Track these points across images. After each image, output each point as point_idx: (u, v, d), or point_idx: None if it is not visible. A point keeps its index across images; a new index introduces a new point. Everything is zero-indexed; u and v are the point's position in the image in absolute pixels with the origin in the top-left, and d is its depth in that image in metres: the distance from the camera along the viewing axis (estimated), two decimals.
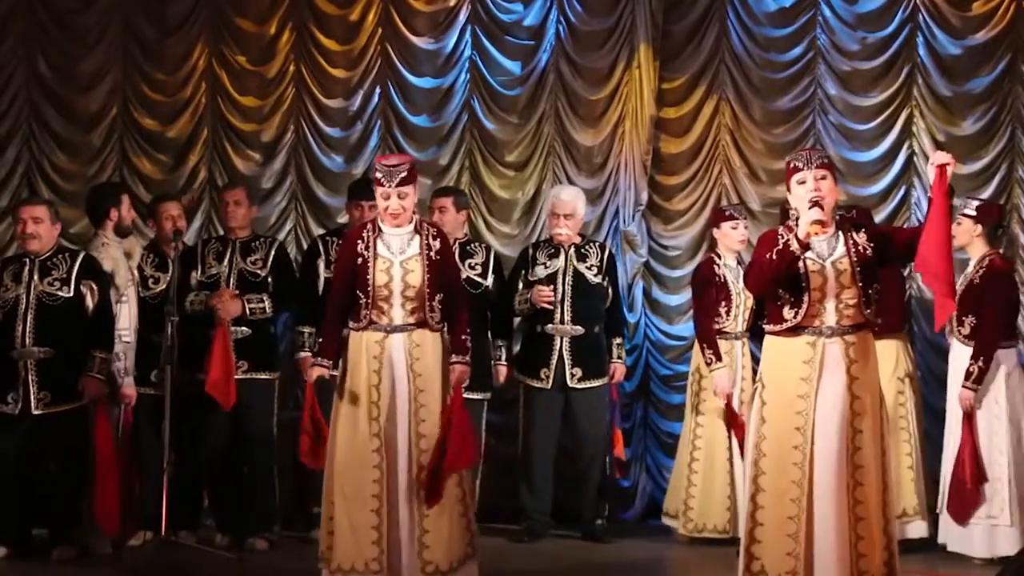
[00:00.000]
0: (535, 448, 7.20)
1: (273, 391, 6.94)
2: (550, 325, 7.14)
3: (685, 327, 7.95)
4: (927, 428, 7.01)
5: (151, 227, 7.26)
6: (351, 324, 5.47)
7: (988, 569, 6.17)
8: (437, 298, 5.44)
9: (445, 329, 5.54)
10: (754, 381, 6.94)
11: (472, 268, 7.12)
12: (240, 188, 7.14)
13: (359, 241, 5.44)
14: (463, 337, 5.58)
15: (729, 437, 6.85)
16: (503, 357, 7.31)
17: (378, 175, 5.45)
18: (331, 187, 8.31)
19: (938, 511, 6.69)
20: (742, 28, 8.13)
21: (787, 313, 4.96)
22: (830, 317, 4.94)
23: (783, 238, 4.95)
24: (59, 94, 8.41)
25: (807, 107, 8.05)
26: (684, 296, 7.94)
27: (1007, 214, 7.59)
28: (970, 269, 6.60)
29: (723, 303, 6.92)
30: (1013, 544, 6.35)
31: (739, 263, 7.11)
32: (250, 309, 6.76)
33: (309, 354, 6.88)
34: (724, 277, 6.95)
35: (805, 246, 4.90)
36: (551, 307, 7.07)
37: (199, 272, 6.89)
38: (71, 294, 6.43)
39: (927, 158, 7.76)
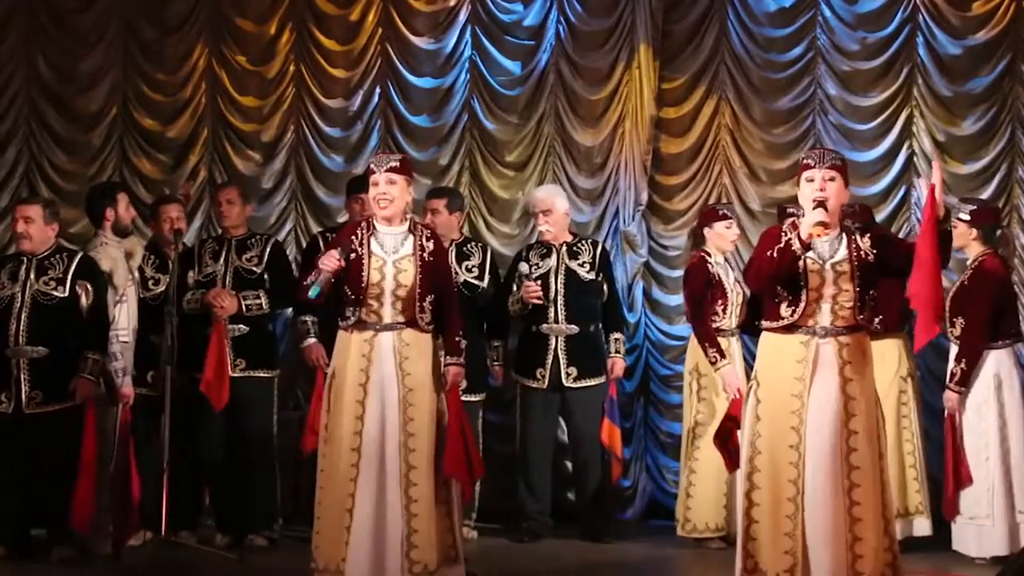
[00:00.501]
0: (533, 448, 7.20)
1: (272, 390, 6.94)
2: (544, 325, 7.14)
3: (685, 327, 7.92)
4: (927, 428, 7.00)
5: (152, 228, 7.27)
6: (340, 323, 5.47)
7: (989, 569, 6.17)
8: (428, 299, 5.45)
9: (435, 331, 5.53)
10: (747, 377, 7.03)
11: (469, 271, 7.12)
12: (233, 187, 7.15)
13: (353, 237, 5.45)
14: (456, 339, 5.59)
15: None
16: (499, 358, 7.31)
17: (371, 165, 5.56)
18: (331, 187, 8.31)
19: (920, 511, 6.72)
20: (742, 28, 8.13)
21: (784, 311, 4.98)
22: (825, 317, 4.96)
23: (786, 235, 4.97)
24: (59, 94, 8.42)
25: (807, 107, 8.05)
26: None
27: (1004, 215, 7.60)
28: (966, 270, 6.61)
29: (719, 301, 6.89)
30: (1001, 544, 6.35)
31: (727, 261, 7.09)
32: (246, 306, 6.77)
33: (314, 340, 6.89)
34: (718, 275, 6.92)
35: (806, 246, 4.91)
36: (541, 302, 7.05)
37: (196, 271, 6.90)
38: (66, 294, 6.43)
39: (927, 158, 7.84)
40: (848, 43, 8.01)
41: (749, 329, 7.02)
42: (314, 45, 8.44)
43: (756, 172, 8.11)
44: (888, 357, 6.61)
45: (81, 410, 6.35)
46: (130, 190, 7.70)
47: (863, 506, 4.87)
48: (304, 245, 7.92)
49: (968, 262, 6.62)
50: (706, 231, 7.04)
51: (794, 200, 7.50)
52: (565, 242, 7.25)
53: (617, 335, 7.33)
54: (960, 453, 6.36)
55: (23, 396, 6.34)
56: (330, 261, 5.29)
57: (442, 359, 5.56)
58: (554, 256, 7.17)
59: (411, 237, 5.50)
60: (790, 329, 4.97)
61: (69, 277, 6.45)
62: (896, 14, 7.92)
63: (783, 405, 4.94)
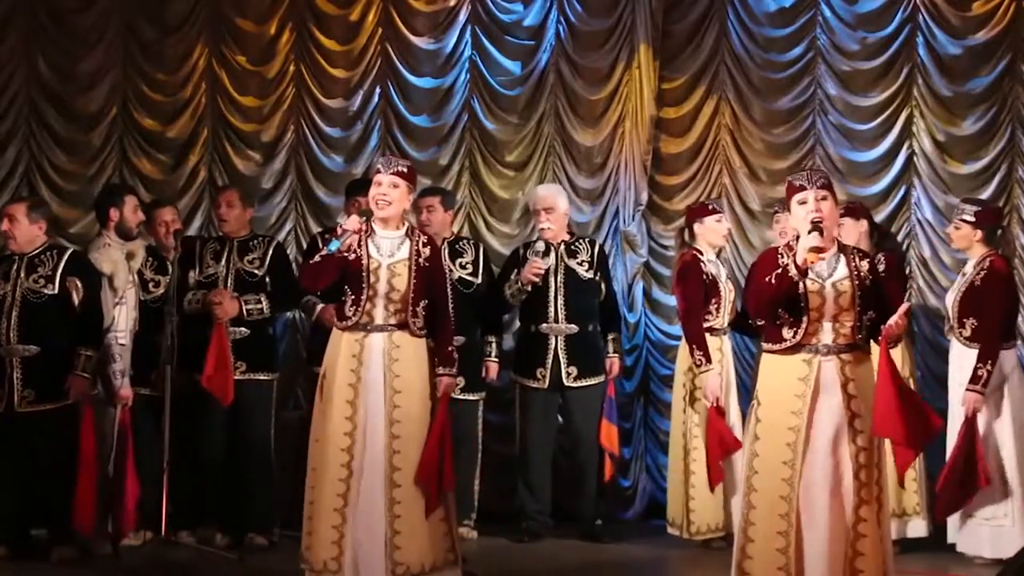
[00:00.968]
0: (533, 448, 7.20)
1: (272, 392, 6.94)
2: (544, 324, 7.13)
3: None
4: None
5: (148, 232, 7.26)
6: (336, 323, 5.49)
7: (989, 569, 6.17)
8: (421, 304, 5.46)
9: (428, 336, 5.54)
10: (737, 378, 7.03)
11: (463, 268, 7.12)
12: (231, 190, 7.13)
13: (347, 250, 5.43)
14: (449, 349, 5.59)
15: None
16: (493, 353, 7.30)
17: (378, 165, 5.58)
18: (331, 187, 8.31)
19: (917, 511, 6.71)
20: (742, 28, 8.13)
21: (786, 333, 4.95)
22: (827, 336, 4.94)
23: (782, 258, 4.94)
24: (59, 94, 8.41)
25: (807, 107, 8.05)
26: None
27: (1005, 215, 7.60)
28: (969, 270, 6.59)
29: (713, 300, 6.87)
30: (1018, 545, 6.35)
31: (718, 258, 7.07)
32: (247, 310, 6.76)
33: (323, 305, 6.79)
34: (711, 274, 6.90)
35: (803, 272, 4.89)
36: (538, 280, 7.02)
37: (197, 272, 6.90)
38: (56, 291, 6.41)
39: (927, 158, 7.85)
40: (848, 43, 8.01)
41: (739, 328, 7.04)
42: (314, 45, 8.43)
43: (756, 172, 8.11)
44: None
45: (76, 408, 6.34)
46: (132, 191, 7.71)
47: (868, 523, 4.85)
48: (304, 245, 7.92)
49: (973, 263, 6.58)
50: (696, 227, 6.99)
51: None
52: (563, 241, 7.24)
53: (614, 335, 7.33)
54: (978, 454, 6.33)
55: (15, 395, 6.33)
56: (352, 223, 5.38)
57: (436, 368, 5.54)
58: (552, 255, 7.17)
59: (408, 242, 5.52)
60: (792, 350, 4.95)
61: (58, 274, 6.43)
62: (896, 14, 7.92)
63: (781, 422, 4.92)
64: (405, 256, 5.48)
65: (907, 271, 7.49)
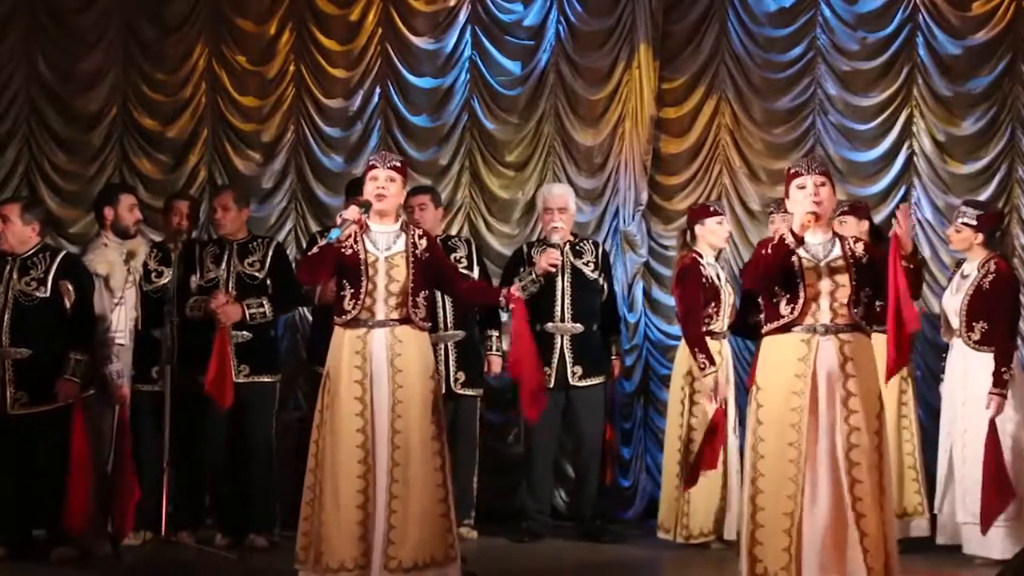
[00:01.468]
0: (537, 448, 7.20)
1: (275, 393, 6.93)
2: (550, 324, 7.14)
3: None
4: (926, 427, 7.01)
5: (163, 222, 7.25)
6: (336, 319, 5.50)
7: (989, 569, 6.17)
8: (422, 295, 5.49)
9: (432, 327, 5.64)
10: (736, 381, 7.02)
11: (459, 263, 7.12)
12: (227, 193, 7.08)
13: (347, 240, 5.46)
14: (488, 286, 6.09)
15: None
16: (494, 347, 7.30)
17: (373, 160, 5.63)
18: (331, 187, 8.31)
19: (936, 511, 6.70)
20: (742, 28, 8.13)
21: (783, 309, 5.03)
22: (824, 315, 5.00)
23: (779, 232, 5.05)
24: (59, 94, 8.40)
25: (807, 107, 8.06)
26: None
27: (1005, 215, 7.62)
28: (972, 272, 6.58)
29: (712, 303, 6.86)
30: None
31: (717, 261, 7.08)
32: (251, 315, 6.74)
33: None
34: (710, 277, 6.89)
35: (799, 240, 4.95)
36: (555, 271, 7.00)
37: (198, 276, 6.88)
38: (48, 294, 6.40)
39: (927, 158, 7.85)
40: (848, 43, 8.01)
41: (738, 331, 7.03)
42: (314, 45, 8.43)
43: (756, 172, 8.11)
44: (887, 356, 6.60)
45: (68, 411, 6.33)
46: (132, 191, 7.71)
47: (865, 502, 4.87)
48: (304, 245, 7.92)
49: (975, 265, 6.58)
50: (697, 228, 6.98)
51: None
52: (569, 241, 7.24)
53: (614, 336, 7.35)
54: (1003, 462, 6.29)
55: (7, 397, 6.32)
56: (351, 212, 5.39)
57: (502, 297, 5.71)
58: (558, 255, 7.15)
59: (403, 235, 5.55)
60: (790, 327, 5.01)
61: (51, 277, 6.42)
62: (896, 14, 7.92)
63: (784, 404, 4.97)
64: (402, 249, 5.50)
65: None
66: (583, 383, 7.13)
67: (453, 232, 8.00)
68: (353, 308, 5.43)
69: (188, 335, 6.66)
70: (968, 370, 6.50)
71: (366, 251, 5.46)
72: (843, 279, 4.99)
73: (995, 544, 6.42)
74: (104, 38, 8.44)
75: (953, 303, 6.60)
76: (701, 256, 6.90)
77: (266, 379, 6.85)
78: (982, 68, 7.81)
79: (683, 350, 6.92)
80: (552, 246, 7.03)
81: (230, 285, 6.82)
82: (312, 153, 8.40)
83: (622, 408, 7.78)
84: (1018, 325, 6.62)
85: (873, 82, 7.98)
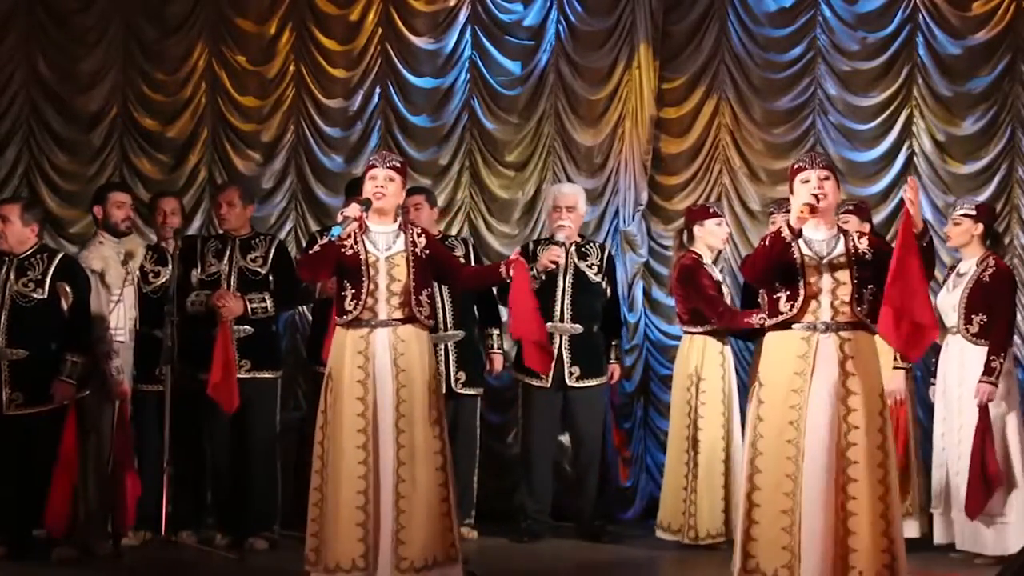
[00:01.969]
0: (535, 448, 7.20)
1: (276, 390, 6.93)
2: (549, 323, 7.12)
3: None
4: (923, 424, 7.02)
5: (152, 222, 7.27)
6: (337, 320, 5.51)
7: (989, 569, 6.17)
8: (424, 293, 5.50)
9: (433, 325, 5.66)
10: (738, 375, 7.03)
11: None
12: (231, 189, 7.08)
13: (347, 238, 5.47)
14: (484, 268, 6.07)
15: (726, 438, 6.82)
16: (495, 345, 7.31)
17: (372, 160, 5.64)
18: (331, 187, 8.31)
19: (932, 509, 6.70)
20: (742, 28, 8.14)
21: (783, 306, 5.04)
22: (825, 312, 5.00)
23: (777, 225, 5.08)
24: (59, 94, 8.40)
25: (807, 107, 8.06)
26: None
27: (1004, 215, 7.64)
28: (972, 269, 6.59)
29: None
30: (1020, 542, 6.38)
31: (715, 262, 7.08)
32: (252, 309, 6.74)
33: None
34: (712, 276, 6.90)
35: (796, 232, 4.97)
36: (555, 268, 7.01)
37: (199, 270, 6.88)
38: (45, 295, 6.39)
39: (927, 158, 7.85)
40: (848, 43, 8.02)
41: (735, 333, 7.02)
42: (314, 45, 8.44)
43: (756, 172, 8.12)
44: (885, 351, 6.61)
45: (63, 412, 6.31)
46: (130, 190, 7.70)
47: (859, 501, 4.88)
48: (304, 245, 7.92)
49: (974, 262, 6.60)
50: (696, 229, 6.98)
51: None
52: (574, 242, 7.24)
53: (615, 340, 7.34)
54: (991, 450, 6.36)
55: (3, 398, 6.31)
56: (352, 210, 5.40)
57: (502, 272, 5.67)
58: (563, 255, 7.15)
59: (402, 235, 5.56)
60: (790, 324, 5.02)
61: (48, 278, 6.41)
62: (896, 14, 7.93)
63: (783, 401, 4.98)
64: (401, 248, 5.51)
65: None
66: (581, 384, 7.12)
67: (453, 232, 8.01)
68: (354, 308, 5.43)
69: (189, 333, 6.65)
70: (965, 365, 6.52)
71: (366, 252, 5.47)
72: (844, 276, 4.99)
73: (992, 542, 6.44)
74: (104, 38, 8.44)
75: (950, 299, 6.62)
76: (700, 257, 6.91)
77: (267, 375, 6.85)
78: (982, 68, 7.82)
79: (684, 350, 6.94)
80: (557, 244, 7.03)
81: (232, 280, 6.82)
82: (312, 153, 8.40)
83: (622, 408, 7.77)
84: (1015, 322, 6.63)
85: (873, 82, 7.98)
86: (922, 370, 7.32)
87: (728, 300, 6.97)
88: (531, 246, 7.31)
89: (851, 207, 6.74)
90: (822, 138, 7.98)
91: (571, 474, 7.61)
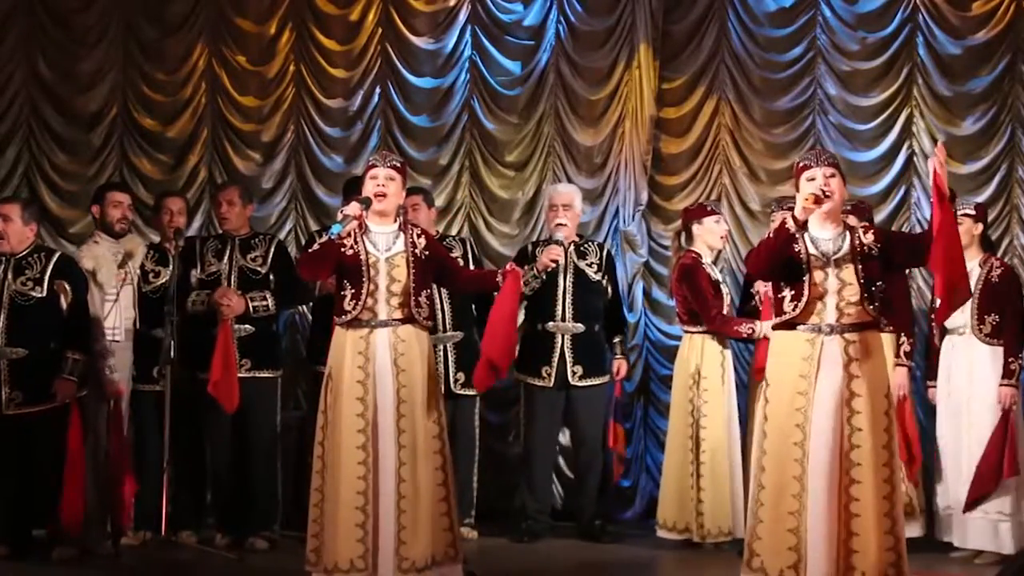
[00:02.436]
0: (537, 448, 7.20)
1: (276, 389, 6.93)
2: (551, 323, 7.14)
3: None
4: (924, 426, 7.02)
5: (154, 222, 7.26)
6: (336, 320, 5.51)
7: (989, 569, 6.17)
8: (423, 294, 5.51)
9: (432, 326, 5.64)
10: (737, 375, 7.04)
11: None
12: (232, 188, 7.11)
13: (347, 236, 5.47)
14: (482, 273, 5.95)
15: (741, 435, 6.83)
16: None
17: (372, 160, 5.64)
18: (331, 187, 8.30)
19: (935, 508, 6.71)
20: (742, 28, 8.14)
21: (787, 306, 5.05)
22: (830, 315, 5.00)
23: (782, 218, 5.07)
24: (59, 94, 8.40)
25: (807, 107, 8.06)
26: None
27: (1004, 215, 7.66)
28: (976, 270, 6.59)
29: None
30: (1018, 539, 6.40)
31: (715, 262, 7.09)
32: (253, 307, 6.75)
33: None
34: (711, 276, 6.90)
35: (800, 224, 4.96)
36: (555, 265, 7.01)
37: (199, 270, 6.88)
38: (44, 294, 6.40)
39: (927, 158, 7.80)
40: (848, 43, 8.02)
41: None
42: (314, 45, 8.43)
43: (756, 172, 8.12)
44: (887, 348, 6.63)
45: (64, 410, 6.32)
46: (130, 190, 7.71)
47: (862, 502, 4.88)
48: (304, 244, 7.91)
49: (977, 263, 6.62)
50: (695, 228, 6.99)
51: (793, 198, 7.55)
52: (573, 242, 7.24)
53: (620, 337, 7.35)
54: (1015, 446, 6.38)
55: (3, 397, 6.32)
56: (352, 208, 5.40)
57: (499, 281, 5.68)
58: (562, 255, 7.14)
59: (402, 235, 5.56)
60: (795, 325, 5.02)
61: (47, 277, 6.42)
62: (896, 14, 7.93)
63: (789, 402, 4.99)
64: (401, 249, 5.52)
65: None
66: (583, 383, 7.13)
67: (453, 232, 8.01)
68: (354, 309, 5.43)
69: (189, 333, 6.65)
70: (975, 364, 6.55)
71: (367, 252, 5.47)
72: (851, 276, 4.98)
73: (999, 540, 6.45)
74: (104, 38, 8.44)
75: None
76: (700, 256, 6.92)
77: (267, 374, 6.85)
78: (982, 68, 7.82)
79: (685, 350, 6.94)
80: (556, 243, 7.04)
81: (232, 279, 6.82)
82: (312, 153, 8.40)
83: (623, 408, 7.77)
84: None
85: (873, 82, 7.98)
86: (922, 370, 7.33)
87: (728, 300, 6.97)
88: (530, 248, 7.32)
89: (850, 206, 6.75)
90: (822, 138, 7.98)
91: (571, 474, 7.61)
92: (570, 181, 8.12)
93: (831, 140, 7.95)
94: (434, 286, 5.93)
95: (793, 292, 5.03)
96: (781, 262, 5.05)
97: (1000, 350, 6.49)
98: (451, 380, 7.09)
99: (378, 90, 8.39)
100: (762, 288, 6.52)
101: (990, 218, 7.17)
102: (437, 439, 5.46)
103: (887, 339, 6.62)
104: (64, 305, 6.43)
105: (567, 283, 7.15)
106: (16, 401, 6.34)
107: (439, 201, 7.97)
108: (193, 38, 8.46)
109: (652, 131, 8.10)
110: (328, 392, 5.45)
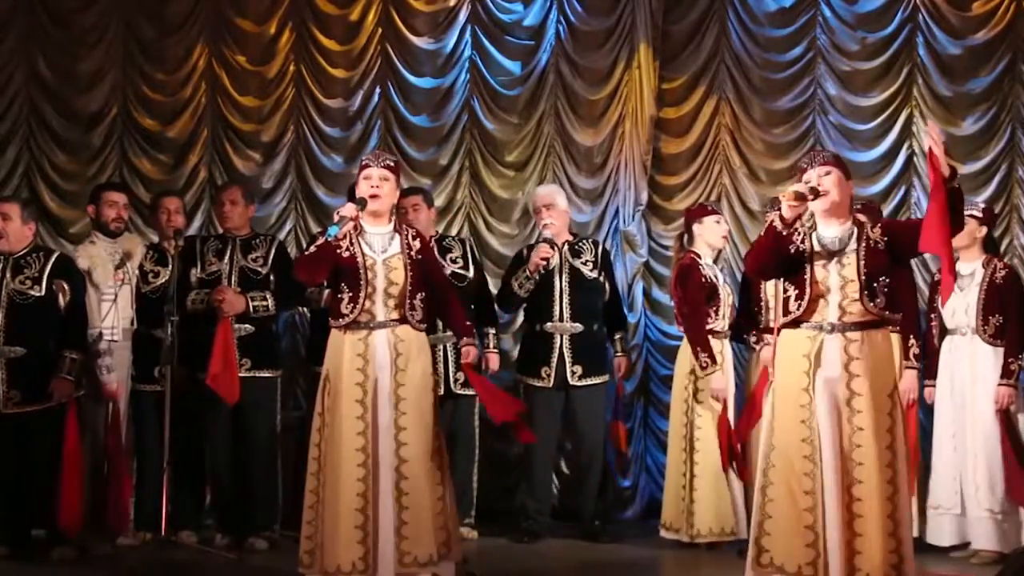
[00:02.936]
0: (535, 448, 7.18)
1: (276, 389, 6.93)
2: (549, 323, 7.14)
3: None
4: (924, 425, 7.02)
5: (152, 222, 7.26)
6: (332, 322, 5.48)
7: (989, 568, 6.17)
8: (419, 296, 5.49)
9: (440, 319, 5.67)
10: (738, 378, 7.04)
11: (454, 262, 7.12)
12: (235, 188, 7.11)
13: (344, 238, 5.46)
14: (465, 321, 5.76)
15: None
16: (492, 344, 7.31)
17: (366, 160, 5.61)
18: (331, 187, 8.31)
19: (936, 509, 6.70)
20: (742, 28, 8.14)
21: (792, 305, 5.05)
22: (832, 313, 4.99)
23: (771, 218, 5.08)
24: (59, 94, 8.40)
25: (807, 107, 8.07)
26: None
27: (1004, 215, 7.65)
28: (979, 271, 6.61)
29: (712, 304, 6.88)
30: (1016, 537, 6.42)
31: (716, 262, 7.10)
32: (254, 307, 6.75)
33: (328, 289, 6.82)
34: (709, 277, 6.91)
35: (787, 221, 4.97)
36: (546, 264, 7.01)
37: (199, 269, 6.88)
38: (43, 293, 6.40)
39: (927, 158, 7.83)
40: (848, 43, 8.02)
41: (737, 336, 7.03)
42: (314, 45, 8.43)
43: (756, 172, 8.12)
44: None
45: (61, 410, 6.32)
46: (130, 190, 7.71)
47: (864, 503, 4.87)
48: (304, 245, 7.91)
49: (980, 264, 6.63)
50: (695, 228, 7.00)
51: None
52: (567, 241, 7.25)
53: (620, 334, 7.36)
54: (1021, 446, 6.42)
55: (0, 396, 6.31)
56: (348, 210, 5.39)
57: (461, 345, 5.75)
58: (557, 255, 7.16)
59: (397, 236, 5.55)
60: (800, 323, 5.03)
61: (45, 276, 6.42)
62: (896, 14, 7.93)
63: (794, 400, 4.99)
64: (397, 250, 5.50)
65: None
66: (582, 383, 7.13)
67: (453, 232, 8.01)
68: (352, 311, 5.42)
69: (189, 332, 6.65)
70: (977, 364, 6.56)
71: (363, 254, 5.46)
72: (852, 272, 4.96)
73: (999, 538, 6.46)
74: (104, 38, 8.44)
75: (958, 301, 6.62)
76: (699, 256, 6.92)
77: (267, 374, 6.85)
78: (982, 68, 7.82)
79: (685, 350, 6.94)
80: (546, 242, 7.05)
81: (233, 279, 6.82)
82: (312, 153, 8.40)
83: (624, 407, 7.77)
84: None
85: (873, 82, 7.99)
86: (919, 371, 7.33)
87: (728, 300, 6.98)
88: (525, 251, 7.32)
89: (859, 206, 6.74)
90: (822, 138, 7.98)
91: (571, 474, 7.61)
92: (570, 181, 8.14)
93: (831, 140, 7.96)
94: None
95: (797, 291, 5.04)
96: (777, 261, 5.05)
97: (1003, 350, 6.50)
98: (451, 380, 7.09)
99: (378, 90, 8.39)
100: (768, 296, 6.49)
101: None
102: (435, 438, 5.45)
103: (895, 339, 6.64)
104: (62, 305, 6.43)
105: (563, 283, 7.15)
106: (14, 400, 6.34)
107: (439, 201, 7.98)
108: (193, 38, 8.46)
109: (652, 131, 8.11)
110: (325, 395, 5.43)
